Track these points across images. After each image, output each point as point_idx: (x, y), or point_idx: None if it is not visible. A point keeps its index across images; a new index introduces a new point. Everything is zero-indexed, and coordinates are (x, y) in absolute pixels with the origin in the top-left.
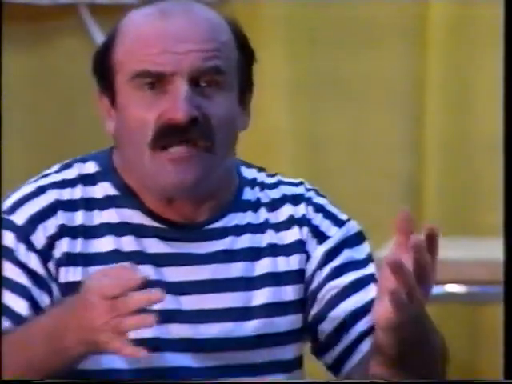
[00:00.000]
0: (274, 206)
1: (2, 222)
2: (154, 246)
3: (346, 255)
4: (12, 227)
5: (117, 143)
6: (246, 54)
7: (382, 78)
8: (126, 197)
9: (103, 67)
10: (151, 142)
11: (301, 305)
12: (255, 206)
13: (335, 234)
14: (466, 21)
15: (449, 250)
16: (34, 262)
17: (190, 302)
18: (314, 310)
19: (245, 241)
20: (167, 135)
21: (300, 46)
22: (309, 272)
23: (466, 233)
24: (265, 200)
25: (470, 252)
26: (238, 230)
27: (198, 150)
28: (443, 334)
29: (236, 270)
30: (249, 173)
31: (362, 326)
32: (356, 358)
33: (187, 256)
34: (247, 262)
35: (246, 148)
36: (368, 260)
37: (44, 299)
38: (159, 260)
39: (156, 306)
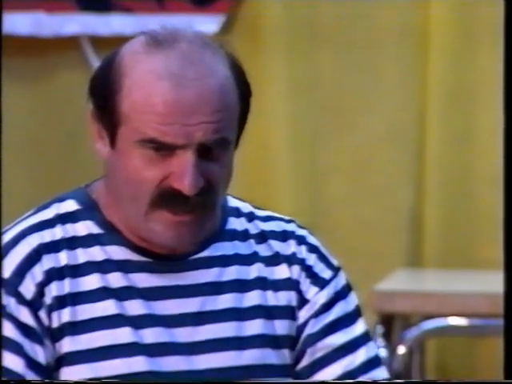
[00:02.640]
0: (263, 238)
1: None
2: (142, 280)
3: (340, 308)
4: None
5: (108, 173)
6: (246, 99)
7: (383, 111)
8: (110, 234)
9: (104, 104)
10: (151, 202)
11: (291, 341)
12: (243, 236)
13: (332, 282)
14: (468, 49)
15: (450, 283)
16: (24, 314)
17: (182, 335)
18: (302, 364)
19: (232, 272)
20: (169, 200)
21: (301, 77)
22: (303, 317)
23: (467, 266)
24: (253, 231)
25: (471, 285)
26: (225, 261)
27: (198, 217)
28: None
29: (225, 301)
30: (234, 203)
31: None
32: None
33: (176, 288)
34: (235, 293)
35: (247, 180)
36: (357, 313)
37: (38, 353)
38: (149, 294)
39: (148, 340)
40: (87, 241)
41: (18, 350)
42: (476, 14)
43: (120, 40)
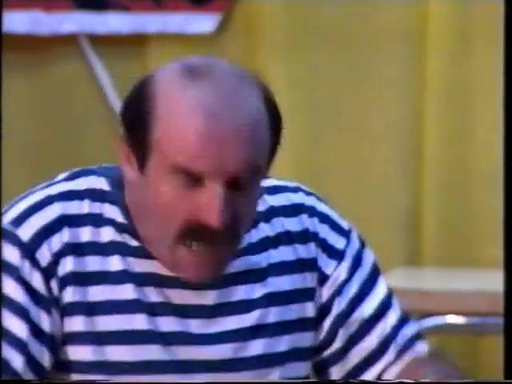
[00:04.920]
0: (272, 216)
1: (4, 233)
2: (162, 268)
3: (359, 276)
4: (17, 243)
5: (136, 195)
6: (277, 131)
7: (381, 109)
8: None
9: (136, 131)
10: (177, 235)
11: (311, 322)
12: (256, 219)
13: (346, 251)
14: (467, 49)
15: (448, 282)
16: (36, 280)
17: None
18: (335, 345)
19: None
20: (195, 233)
21: (299, 75)
22: (326, 295)
23: (465, 264)
24: (263, 209)
25: (469, 283)
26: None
27: (224, 248)
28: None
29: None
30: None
31: (386, 358)
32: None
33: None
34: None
35: None
36: (376, 272)
37: (43, 320)
38: (168, 282)
39: (163, 328)
40: (112, 223)
41: (24, 314)
42: (474, 13)
43: (117, 38)
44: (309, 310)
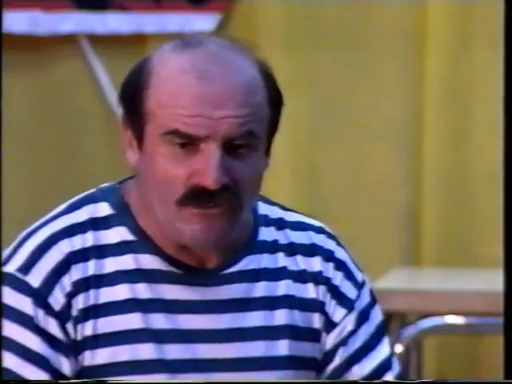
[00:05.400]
0: (292, 251)
1: (14, 281)
2: (170, 292)
3: (365, 330)
4: (28, 291)
5: (138, 180)
6: (275, 105)
7: (381, 109)
8: (143, 242)
9: (132, 106)
10: (180, 199)
11: (316, 363)
12: (272, 247)
13: (357, 303)
14: (466, 54)
15: (447, 282)
16: (52, 326)
17: (207, 352)
18: None
19: (261, 288)
20: (196, 196)
21: (299, 75)
22: (331, 343)
23: (464, 264)
24: (283, 241)
25: (468, 283)
26: (255, 276)
27: (224, 211)
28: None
29: (254, 318)
30: (263, 209)
31: None
32: None
33: (204, 303)
34: (265, 310)
35: None
36: (381, 332)
37: (64, 366)
38: (175, 307)
39: (171, 356)
40: (119, 249)
41: (44, 364)
42: (473, 13)
43: (117, 38)
44: (316, 322)
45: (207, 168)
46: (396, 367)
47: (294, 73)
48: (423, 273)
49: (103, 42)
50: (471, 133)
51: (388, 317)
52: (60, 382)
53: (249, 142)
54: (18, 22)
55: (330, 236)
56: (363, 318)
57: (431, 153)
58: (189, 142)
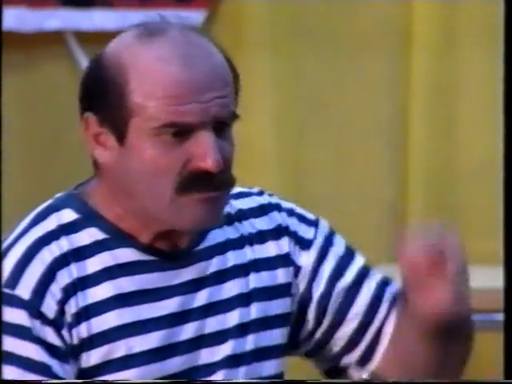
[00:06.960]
0: (245, 216)
1: (4, 297)
2: (151, 280)
3: (334, 254)
4: (20, 304)
5: (107, 177)
6: (237, 82)
7: (366, 106)
8: (116, 237)
9: (111, 102)
10: (178, 186)
11: (286, 319)
12: (227, 220)
13: (316, 237)
14: (452, 42)
15: None
16: (50, 335)
17: (190, 330)
18: (325, 323)
19: (231, 258)
20: (197, 181)
21: (286, 71)
22: (302, 284)
23: None
24: (233, 211)
25: None
26: (223, 248)
27: (223, 191)
28: None
29: (231, 289)
30: None
31: (381, 312)
32: (385, 340)
33: (183, 284)
34: (239, 278)
35: None
36: (350, 250)
37: (67, 372)
38: (159, 294)
39: (160, 343)
40: (95, 248)
41: (47, 372)
42: (458, 10)
43: (102, 35)
44: (287, 275)
45: (207, 151)
46: (375, 271)
47: (280, 70)
48: None
49: (90, 39)
50: (457, 130)
51: None
52: (60, 382)
53: (231, 121)
54: (3, 18)
55: (270, 194)
56: (328, 244)
57: (417, 149)
58: (182, 130)
